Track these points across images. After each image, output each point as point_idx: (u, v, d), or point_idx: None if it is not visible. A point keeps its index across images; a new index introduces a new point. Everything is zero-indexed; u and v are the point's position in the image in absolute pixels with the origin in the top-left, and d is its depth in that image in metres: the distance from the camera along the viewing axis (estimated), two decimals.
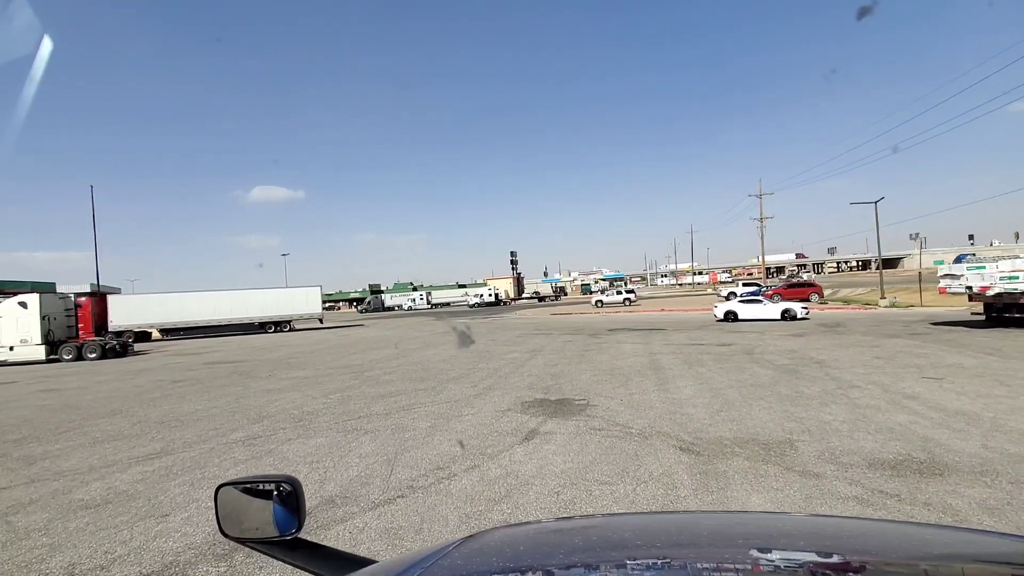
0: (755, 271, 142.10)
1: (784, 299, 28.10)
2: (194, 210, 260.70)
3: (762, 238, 59.73)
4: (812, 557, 0.96)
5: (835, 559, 0.97)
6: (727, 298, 42.66)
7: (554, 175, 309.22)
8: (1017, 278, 14.61)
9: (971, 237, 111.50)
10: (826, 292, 37.06)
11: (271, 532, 1.23)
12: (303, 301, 39.24)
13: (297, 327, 41.16)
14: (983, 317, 16.92)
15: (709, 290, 78.91)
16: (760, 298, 24.44)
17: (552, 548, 1.10)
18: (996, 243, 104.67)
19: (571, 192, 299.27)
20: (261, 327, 38.62)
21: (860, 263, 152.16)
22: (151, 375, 16.59)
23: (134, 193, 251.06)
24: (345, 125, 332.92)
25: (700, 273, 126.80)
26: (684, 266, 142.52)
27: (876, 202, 29.00)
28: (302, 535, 1.25)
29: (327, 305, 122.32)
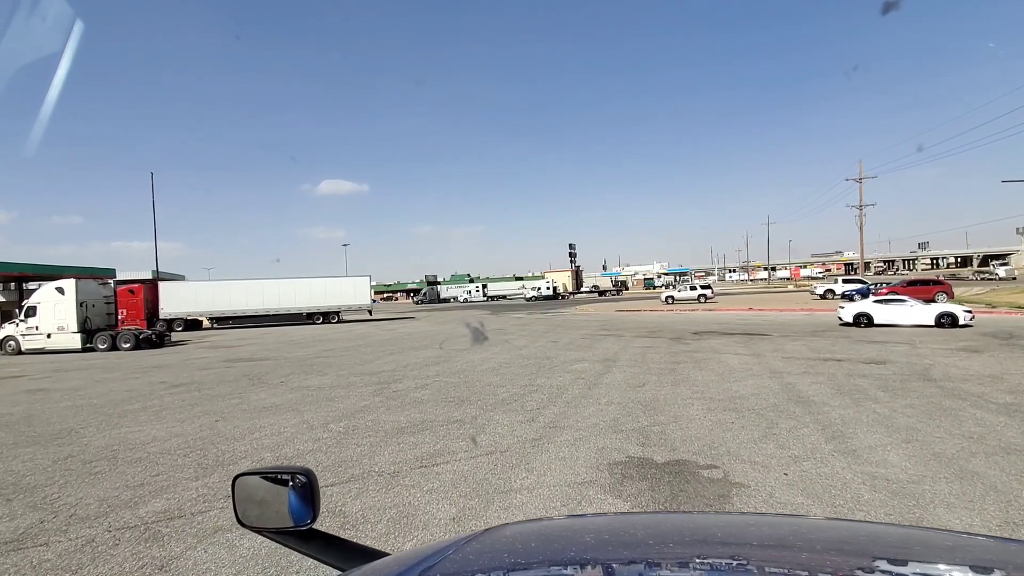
0: (834, 267, 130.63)
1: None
2: (268, 202, 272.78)
3: (861, 228, 52.90)
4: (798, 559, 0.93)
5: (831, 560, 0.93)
6: (823, 296, 37.06)
7: (614, 168, 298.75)
8: None
9: None
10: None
11: (287, 522, 1.23)
12: (351, 291, 37.32)
13: (347, 318, 39.47)
14: None
15: (790, 287, 71.61)
16: (905, 298, 19.49)
17: (564, 545, 1.06)
18: None
19: (631, 185, 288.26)
20: (309, 318, 37.09)
21: (959, 259, 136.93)
22: (158, 374, 14.38)
23: (215, 185, 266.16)
24: (408, 118, 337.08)
25: (774, 268, 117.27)
26: (756, 261, 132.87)
27: None
28: (316, 526, 1.24)
29: (385, 296, 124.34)
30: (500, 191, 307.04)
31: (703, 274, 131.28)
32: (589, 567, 0.93)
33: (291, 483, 1.24)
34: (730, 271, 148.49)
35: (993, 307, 24.09)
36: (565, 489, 4.92)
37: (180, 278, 46.39)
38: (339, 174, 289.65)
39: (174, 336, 29.27)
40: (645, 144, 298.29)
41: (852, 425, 6.67)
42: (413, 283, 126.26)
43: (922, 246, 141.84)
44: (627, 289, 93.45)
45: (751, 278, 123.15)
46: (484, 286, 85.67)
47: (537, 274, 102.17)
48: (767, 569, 0.89)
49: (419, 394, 9.79)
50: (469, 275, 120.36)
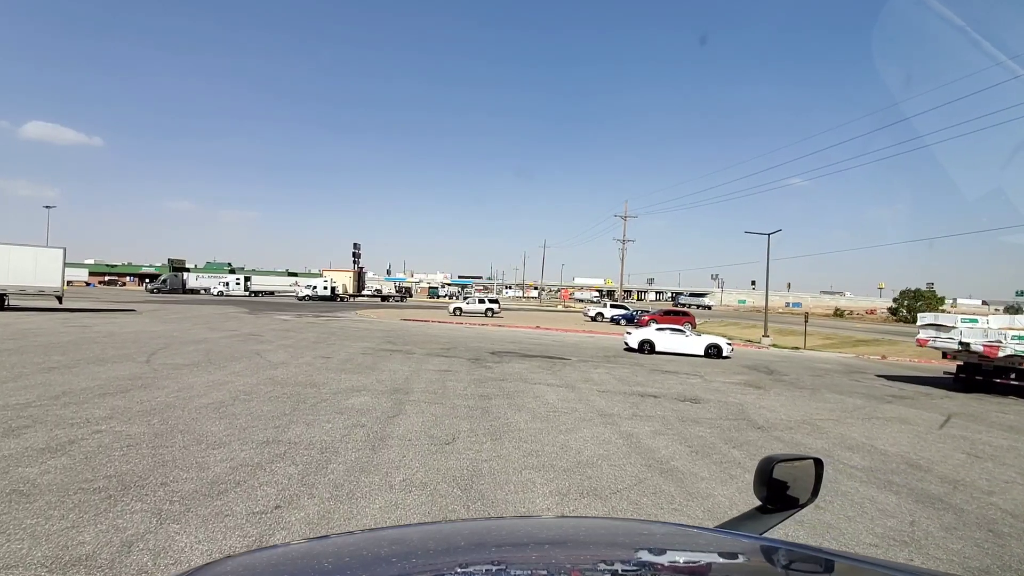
0: (587, 291, 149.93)
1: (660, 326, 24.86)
2: None
3: (623, 260, 59.66)
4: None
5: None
6: (594, 319, 39.81)
7: (406, 173, 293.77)
8: None
9: (789, 285, 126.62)
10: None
11: None
12: (29, 267, 26.10)
13: (20, 304, 27.78)
14: (954, 377, 14.42)
15: (560, 307, 78.01)
16: (682, 328, 20.61)
17: None
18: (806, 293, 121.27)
19: (421, 191, 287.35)
20: None
21: (674, 294, 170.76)
22: None
23: None
24: (168, 74, 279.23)
25: (544, 289, 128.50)
26: (530, 280, 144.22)
27: (770, 234, 27.83)
28: None
29: (107, 279, 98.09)
30: (283, 177, 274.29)
31: (483, 287, 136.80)
32: None
33: None
34: (507, 287, 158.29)
35: (730, 339, 27.96)
36: None
37: None
38: (56, 117, 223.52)
39: None
40: (439, 155, 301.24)
41: None
42: (151, 267, 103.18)
43: (650, 281, 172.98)
44: (411, 296, 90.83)
45: (526, 295, 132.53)
46: (247, 279, 73.18)
47: (315, 271, 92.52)
48: (511, 571, 0.90)
49: (39, 469, 5.06)
50: (231, 264, 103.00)
